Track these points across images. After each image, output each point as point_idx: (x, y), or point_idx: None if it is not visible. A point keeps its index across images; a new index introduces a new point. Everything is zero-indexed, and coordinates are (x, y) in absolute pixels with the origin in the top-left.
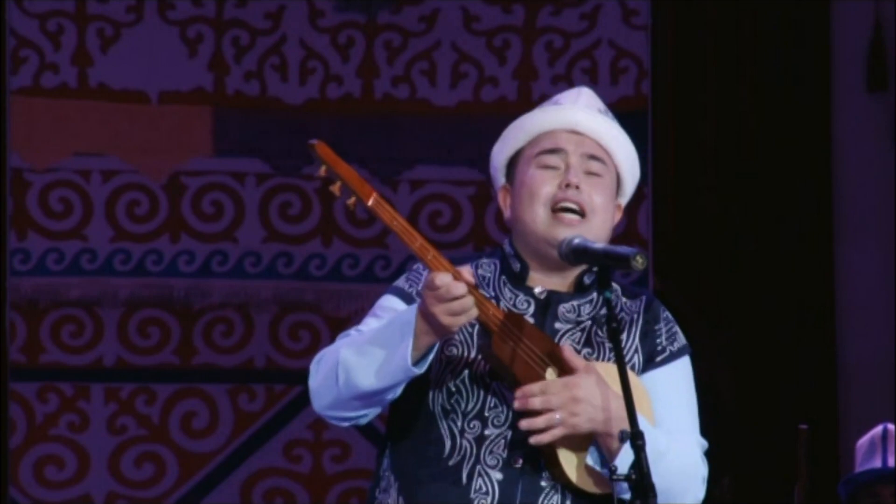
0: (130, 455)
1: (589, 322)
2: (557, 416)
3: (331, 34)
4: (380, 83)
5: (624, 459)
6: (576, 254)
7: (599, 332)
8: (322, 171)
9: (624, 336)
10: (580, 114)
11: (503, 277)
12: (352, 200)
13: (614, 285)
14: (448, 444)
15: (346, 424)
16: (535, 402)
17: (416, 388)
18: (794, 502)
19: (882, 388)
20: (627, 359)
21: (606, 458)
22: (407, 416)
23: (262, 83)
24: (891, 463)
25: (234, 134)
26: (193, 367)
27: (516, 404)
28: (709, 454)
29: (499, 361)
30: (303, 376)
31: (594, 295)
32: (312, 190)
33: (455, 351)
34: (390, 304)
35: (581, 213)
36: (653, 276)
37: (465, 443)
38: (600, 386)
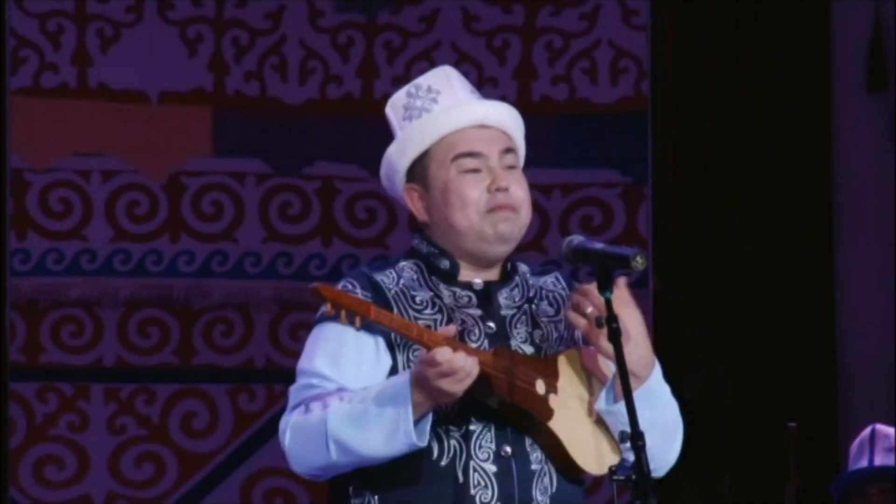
0: (130, 455)
1: (527, 305)
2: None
3: (331, 34)
4: (380, 83)
5: (640, 401)
6: (576, 254)
7: (539, 311)
8: (329, 308)
9: (562, 315)
10: (480, 107)
11: (433, 276)
12: (358, 321)
13: (522, 266)
14: (436, 446)
15: (325, 479)
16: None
17: None
18: (786, 501)
19: (882, 388)
20: (569, 336)
21: (617, 395)
22: None
23: (262, 83)
24: (877, 462)
25: (234, 134)
26: (193, 367)
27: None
28: None
29: (501, 399)
30: None
31: (517, 279)
32: (312, 190)
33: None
34: (340, 336)
35: (513, 210)
36: (653, 276)
37: (452, 442)
38: (637, 321)
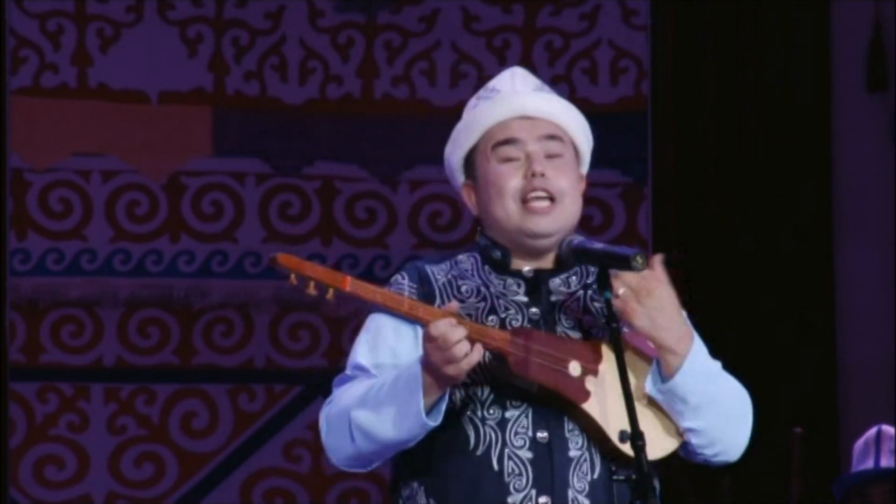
0: (130, 455)
1: (581, 291)
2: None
3: (331, 34)
4: (380, 83)
5: (685, 378)
6: (576, 254)
7: (595, 297)
8: (292, 278)
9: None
10: (527, 98)
11: (486, 266)
12: (330, 293)
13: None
14: (472, 435)
15: (367, 470)
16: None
17: None
18: None
19: (882, 388)
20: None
21: (663, 375)
22: None
23: (262, 83)
24: (882, 463)
25: (234, 134)
26: (193, 367)
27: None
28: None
29: (521, 379)
30: (303, 376)
31: (577, 266)
32: (312, 190)
33: None
34: (379, 326)
35: (551, 199)
36: None
37: (488, 430)
38: (667, 294)
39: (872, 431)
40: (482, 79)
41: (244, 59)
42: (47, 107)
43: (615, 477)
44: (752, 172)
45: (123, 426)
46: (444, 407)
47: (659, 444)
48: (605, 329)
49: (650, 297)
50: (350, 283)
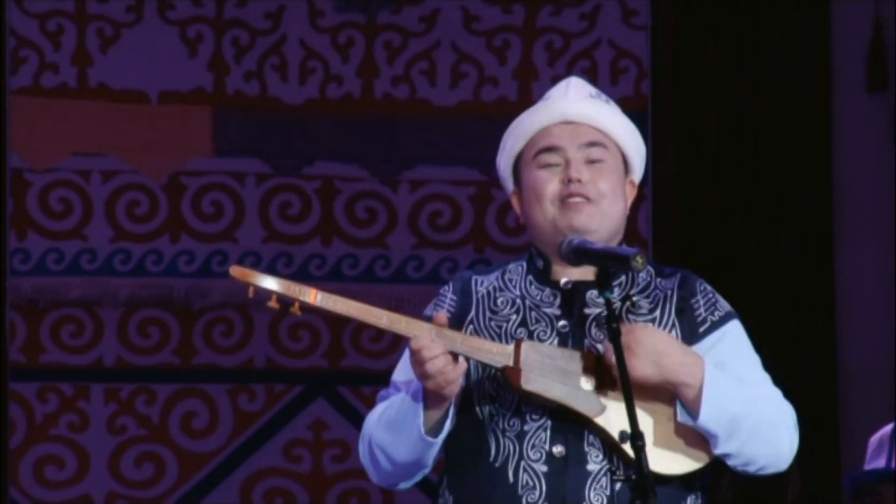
0: (130, 455)
1: (619, 302)
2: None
3: (331, 34)
4: (380, 83)
5: (708, 411)
6: (575, 254)
7: (633, 309)
8: (251, 292)
9: (658, 313)
10: (570, 104)
11: (529, 276)
12: (295, 306)
13: (648, 266)
14: (493, 446)
15: (404, 487)
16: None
17: (465, 401)
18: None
19: (882, 388)
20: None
21: (688, 411)
22: (459, 431)
23: (262, 83)
24: (894, 464)
25: (234, 134)
26: (193, 367)
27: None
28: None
29: (520, 392)
30: (303, 376)
31: (622, 278)
32: (312, 190)
33: None
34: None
35: (587, 200)
36: None
37: (507, 442)
38: (657, 335)
39: (888, 429)
40: (482, 79)
41: (244, 59)
42: (47, 107)
43: (615, 477)
44: (752, 172)
45: (123, 426)
46: (447, 423)
47: (679, 460)
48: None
49: (641, 345)
50: (320, 296)
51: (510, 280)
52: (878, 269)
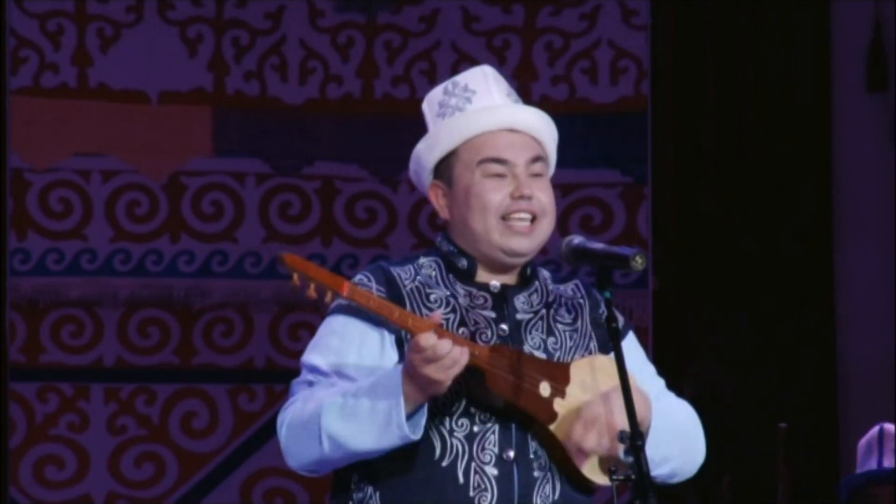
0: (130, 455)
1: (544, 310)
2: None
3: (331, 34)
4: (380, 83)
5: (651, 442)
6: (576, 255)
7: (557, 318)
8: (295, 279)
9: (579, 324)
10: (509, 112)
11: (450, 275)
12: (329, 297)
13: (543, 273)
14: (438, 445)
15: (319, 475)
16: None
17: None
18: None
19: (882, 388)
20: (584, 345)
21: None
22: None
23: (262, 83)
24: (885, 464)
25: (234, 134)
26: (193, 367)
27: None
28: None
29: (495, 396)
30: None
31: (537, 284)
32: (312, 190)
33: None
34: (344, 329)
35: (532, 219)
36: (653, 276)
37: (455, 442)
38: (608, 400)
39: (874, 431)
40: None
41: (244, 59)
42: (47, 107)
43: (614, 477)
44: (752, 172)
45: (123, 426)
46: (423, 420)
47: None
48: (570, 352)
49: (596, 422)
50: (348, 289)
51: (430, 276)
52: (878, 269)
